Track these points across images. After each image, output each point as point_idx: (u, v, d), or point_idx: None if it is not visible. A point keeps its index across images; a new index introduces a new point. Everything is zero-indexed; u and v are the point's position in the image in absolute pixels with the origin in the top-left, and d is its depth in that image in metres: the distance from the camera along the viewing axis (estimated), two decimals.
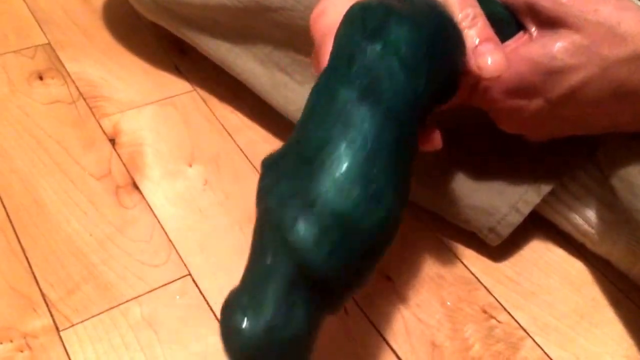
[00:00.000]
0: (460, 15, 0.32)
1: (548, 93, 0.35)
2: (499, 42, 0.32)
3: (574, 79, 0.34)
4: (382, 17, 0.29)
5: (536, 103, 0.35)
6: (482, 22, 0.32)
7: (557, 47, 0.34)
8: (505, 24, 0.36)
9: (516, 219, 0.43)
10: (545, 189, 0.42)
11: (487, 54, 0.32)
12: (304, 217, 0.26)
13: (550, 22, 0.34)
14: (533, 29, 0.35)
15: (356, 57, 0.29)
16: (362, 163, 0.27)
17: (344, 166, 0.26)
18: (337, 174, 0.26)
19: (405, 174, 0.29)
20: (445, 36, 0.31)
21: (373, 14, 0.30)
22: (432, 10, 0.31)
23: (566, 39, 0.34)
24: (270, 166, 0.29)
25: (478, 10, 0.33)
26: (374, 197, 0.27)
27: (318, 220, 0.26)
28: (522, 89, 0.35)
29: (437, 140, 0.33)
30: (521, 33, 0.36)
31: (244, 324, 0.26)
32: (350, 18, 0.30)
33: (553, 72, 0.34)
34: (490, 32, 0.32)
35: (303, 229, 0.26)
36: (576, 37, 0.33)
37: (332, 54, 0.30)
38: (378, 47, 0.28)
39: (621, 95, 0.34)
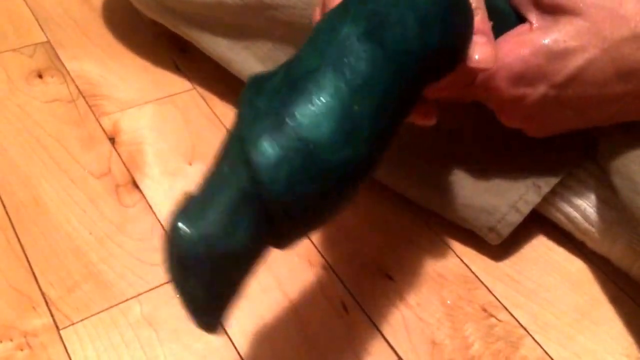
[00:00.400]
0: None
1: (552, 77, 0.35)
2: (492, 37, 0.33)
3: (578, 60, 0.34)
4: None
5: (540, 90, 0.35)
6: (481, 14, 0.33)
7: (559, 30, 0.34)
8: (506, 16, 0.36)
9: (516, 218, 0.43)
10: (546, 189, 0.42)
11: (476, 46, 0.32)
12: (271, 135, 0.25)
13: (551, 10, 0.35)
14: (534, 20, 0.35)
15: (369, 0, 0.28)
16: (344, 97, 0.26)
17: (325, 95, 0.26)
18: (316, 101, 0.26)
19: (389, 127, 0.28)
20: (462, 7, 0.31)
21: None
22: None
23: (567, 23, 0.34)
24: (256, 80, 0.28)
25: (481, 2, 0.33)
26: (347, 135, 0.26)
27: (283, 142, 0.25)
28: (526, 75, 0.35)
29: (432, 115, 0.33)
30: (522, 24, 0.36)
31: (183, 229, 0.25)
32: None
33: (556, 55, 0.34)
34: (486, 25, 0.33)
35: (266, 147, 0.25)
36: (577, 20, 0.34)
37: None
38: None
39: (625, 75, 0.34)
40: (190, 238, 0.25)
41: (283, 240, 0.27)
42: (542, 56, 0.34)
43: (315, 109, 0.26)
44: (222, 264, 0.25)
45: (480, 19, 0.32)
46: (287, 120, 0.25)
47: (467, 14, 0.31)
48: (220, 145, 0.27)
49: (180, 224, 0.25)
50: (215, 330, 0.27)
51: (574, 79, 0.35)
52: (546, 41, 0.34)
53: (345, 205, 0.28)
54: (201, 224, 0.25)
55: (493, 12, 0.33)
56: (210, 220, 0.25)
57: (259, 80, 0.28)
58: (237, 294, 0.27)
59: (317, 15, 0.34)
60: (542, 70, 0.35)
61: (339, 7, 0.29)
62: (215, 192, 0.26)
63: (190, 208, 0.26)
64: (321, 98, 0.26)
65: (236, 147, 0.26)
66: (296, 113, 0.26)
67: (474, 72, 0.34)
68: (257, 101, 0.27)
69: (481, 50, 0.32)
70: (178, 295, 0.26)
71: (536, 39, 0.35)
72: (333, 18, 0.29)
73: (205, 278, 0.25)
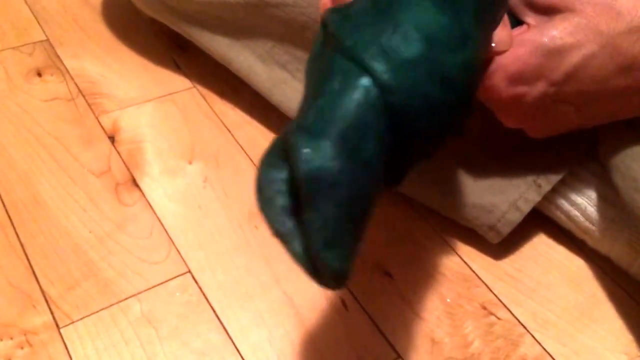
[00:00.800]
0: None
1: (550, 75, 0.35)
2: (507, 22, 0.33)
3: (575, 57, 0.34)
4: None
5: (539, 88, 0.35)
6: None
7: (556, 27, 0.34)
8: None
9: (516, 217, 0.43)
10: (546, 187, 0.42)
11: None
12: (389, 39, 0.24)
13: (546, 10, 0.35)
14: (531, 20, 0.35)
15: None
16: (448, 2, 0.26)
17: (428, 2, 0.25)
18: (422, 5, 0.25)
19: (485, 41, 0.28)
20: None
21: None
22: None
23: (564, 20, 0.34)
24: (336, 10, 0.27)
25: None
26: (462, 36, 0.25)
27: (403, 44, 0.24)
28: (524, 74, 0.35)
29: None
30: (519, 26, 0.36)
31: (315, 146, 0.23)
32: None
33: (553, 53, 0.34)
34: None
35: (387, 50, 0.24)
36: (573, 17, 0.34)
37: None
38: None
39: (624, 69, 0.34)
40: (322, 155, 0.23)
41: (401, 167, 0.26)
42: (540, 54, 0.34)
43: (424, 13, 0.25)
44: (356, 179, 0.24)
45: None
46: (399, 25, 0.25)
47: None
48: (307, 76, 0.26)
49: (305, 144, 0.23)
50: (347, 275, 0.24)
51: (573, 75, 0.35)
52: (543, 39, 0.34)
53: (461, 121, 0.26)
54: (330, 138, 0.23)
55: None
56: (337, 133, 0.23)
57: (339, 10, 0.27)
58: (368, 221, 0.25)
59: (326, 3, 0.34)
60: (540, 68, 0.35)
61: None
62: (334, 106, 0.24)
63: (309, 127, 0.24)
64: (425, 3, 0.25)
65: (343, 62, 0.24)
66: (407, 17, 0.25)
67: (492, 54, 0.34)
68: (351, 20, 0.25)
69: (498, 34, 0.32)
70: (294, 247, 0.23)
71: (533, 37, 0.35)
72: None
73: (341, 196, 0.23)
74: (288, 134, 0.25)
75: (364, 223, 0.25)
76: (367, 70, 0.24)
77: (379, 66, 0.24)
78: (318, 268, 0.24)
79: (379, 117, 0.24)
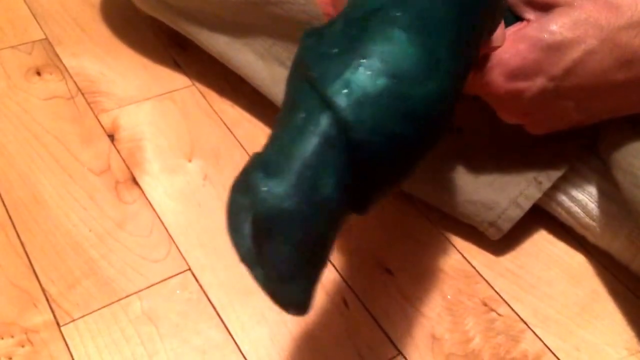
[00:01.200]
0: None
1: (550, 70, 0.35)
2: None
3: (575, 52, 0.34)
4: None
5: (538, 83, 0.35)
6: None
7: (555, 23, 0.34)
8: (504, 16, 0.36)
9: (516, 213, 0.43)
10: (547, 184, 0.42)
11: None
12: (351, 73, 0.23)
13: (545, 6, 0.35)
14: (530, 17, 0.35)
15: None
16: (419, 30, 0.25)
17: (399, 30, 0.24)
18: (391, 36, 0.24)
19: (463, 64, 0.26)
20: None
21: None
22: None
23: (564, 15, 0.34)
24: (312, 32, 0.26)
25: None
26: (429, 68, 0.24)
27: (365, 79, 0.23)
28: (523, 70, 0.35)
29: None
30: (519, 22, 0.36)
31: (265, 184, 0.23)
32: None
33: (553, 48, 0.34)
34: None
35: (347, 86, 0.23)
36: (573, 12, 0.34)
37: None
38: None
39: (624, 64, 0.34)
40: (277, 194, 0.23)
41: (366, 198, 0.25)
42: (539, 50, 0.34)
43: (392, 45, 0.24)
44: (311, 217, 0.23)
45: None
46: (366, 57, 0.24)
47: None
48: (283, 102, 0.25)
49: (260, 181, 0.23)
50: (306, 305, 0.25)
51: (572, 70, 0.35)
52: (542, 34, 0.34)
53: (428, 151, 0.26)
54: (286, 177, 0.23)
55: None
56: (294, 172, 0.23)
57: (314, 32, 0.26)
58: (326, 257, 0.25)
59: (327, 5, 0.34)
60: (539, 63, 0.35)
61: None
62: (293, 143, 0.24)
63: (267, 164, 0.24)
64: (395, 33, 0.24)
65: (308, 93, 0.24)
66: (374, 49, 0.24)
67: (489, 50, 0.34)
68: (322, 47, 0.25)
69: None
70: (257, 274, 0.24)
71: (532, 33, 0.34)
72: None
73: (295, 237, 0.23)
74: (249, 168, 0.24)
75: (322, 259, 0.25)
76: (329, 106, 0.24)
77: (341, 102, 0.23)
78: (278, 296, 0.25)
79: (340, 154, 0.24)
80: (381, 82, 0.24)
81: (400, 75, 0.24)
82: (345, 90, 0.23)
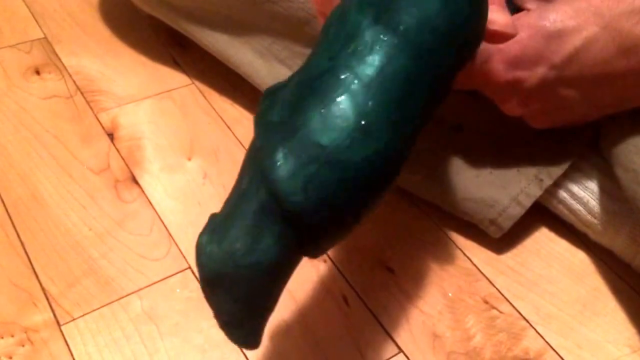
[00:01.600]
0: None
1: (551, 57, 0.34)
2: (505, 5, 0.32)
3: (576, 39, 0.34)
4: None
5: (539, 72, 0.35)
6: None
7: (556, 11, 0.34)
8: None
9: (517, 211, 0.43)
10: (548, 182, 0.42)
11: (494, 13, 0.31)
12: (284, 145, 0.24)
13: None
14: (531, 5, 0.35)
15: None
16: (357, 94, 0.24)
17: (337, 95, 0.24)
18: (327, 103, 0.24)
19: (411, 120, 0.26)
20: None
21: None
22: None
23: (564, 3, 0.34)
24: (270, 93, 0.27)
25: None
26: (365, 132, 0.24)
27: (297, 150, 0.24)
28: (523, 58, 0.34)
29: None
30: (521, 12, 0.36)
31: (209, 246, 0.25)
32: None
33: (554, 35, 0.34)
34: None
35: (280, 158, 0.24)
36: (574, 1, 0.34)
37: None
38: None
39: (626, 51, 0.34)
40: (216, 256, 0.25)
41: (318, 249, 0.26)
42: (540, 38, 0.34)
43: (326, 112, 0.24)
44: (252, 278, 0.25)
45: None
46: (300, 127, 0.24)
47: None
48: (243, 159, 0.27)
49: (205, 243, 0.25)
50: (255, 344, 0.27)
51: (574, 58, 0.34)
52: (543, 22, 0.34)
53: (374, 208, 0.26)
54: (225, 241, 0.25)
55: None
56: (233, 236, 0.25)
57: (272, 92, 0.27)
58: (272, 305, 0.26)
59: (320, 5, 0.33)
60: (540, 51, 0.34)
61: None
62: (236, 208, 0.25)
63: (213, 226, 0.26)
64: (333, 99, 0.24)
65: (253, 161, 0.25)
66: (307, 118, 0.24)
67: (496, 39, 0.32)
68: (270, 114, 0.26)
69: (500, 16, 0.31)
70: (213, 313, 0.26)
71: (533, 21, 0.34)
72: (341, 6, 0.27)
73: (237, 293, 0.25)
74: (204, 228, 0.26)
75: (267, 307, 0.26)
76: (265, 178, 0.24)
77: (274, 176, 0.24)
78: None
79: (277, 219, 0.24)
80: (311, 152, 0.24)
81: (330, 145, 0.24)
82: (278, 163, 0.24)
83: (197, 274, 0.42)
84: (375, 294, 0.42)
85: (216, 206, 0.47)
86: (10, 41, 0.57)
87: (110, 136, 0.50)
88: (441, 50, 0.26)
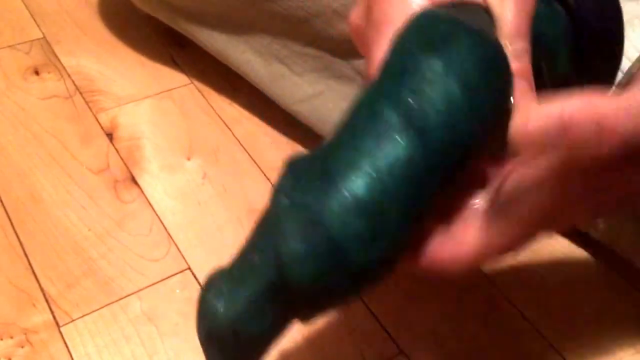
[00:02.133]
0: (510, 47, 0.27)
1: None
2: (533, 90, 0.27)
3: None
4: (448, 30, 0.26)
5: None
6: (526, 61, 0.27)
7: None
8: (556, 52, 0.30)
9: None
10: None
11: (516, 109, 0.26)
12: (301, 232, 0.25)
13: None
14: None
15: (410, 73, 0.26)
16: (376, 195, 0.25)
17: (357, 192, 0.25)
18: (347, 198, 0.25)
19: (421, 221, 0.26)
20: (504, 67, 0.27)
21: (438, 26, 0.26)
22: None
23: None
24: (293, 166, 0.27)
25: (527, 45, 0.27)
26: (375, 236, 0.25)
27: (312, 240, 0.25)
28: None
29: None
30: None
31: (216, 307, 0.26)
32: (413, 26, 0.27)
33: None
34: (530, 78, 0.27)
35: (295, 245, 0.25)
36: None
37: (385, 63, 0.27)
38: (438, 64, 0.25)
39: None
40: (222, 317, 0.26)
41: (306, 319, 0.28)
42: None
43: (344, 208, 0.25)
44: (247, 343, 0.27)
45: (524, 69, 0.27)
46: (318, 217, 0.25)
47: (509, 76, 0.27)
48: (254, 227, 0.28)
49: (213, 301, 0.26)
50: None
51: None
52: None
53: (371, 290, 0.28)
54: (232, 306, 0.26)
55: (541, 45, 0.28)
56: (240, 304, 0.26)
57: (294, 167, 0.27)
58: (263, 357, 0.28)
59: (355, 19, 0.30)
60: None
61: (379, 82, 0.27)
62: (246, 278, 0.26)
63: (222, 286, 0.27)
64: (353, 194, 0.25)
65: (269, 237, 0.26)
66: (326, 211, 0.25)
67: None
68: (293, 193, 0.26)
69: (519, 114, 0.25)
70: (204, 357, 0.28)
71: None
72: (372, 99, 0.27)
73: (229, 353, 0.27)
74: (211, 278, 0.28)
75: (259, 358, 0.28)
76: (279, 259, 0.25)
77: (290, 266, 0.25)
78: None
79: (280, 302, 0.26)
80: (325, 245, 0.25)
81: (343, 243, 0.25)
82: (293, 249, 0.25)
83: (196, 275, 0.42)
84: (375, 293, 0.42)
85: (216, 206, 0.47)
86: (9, 41, 0.57)
87: (110, 136, 0.50)
88: (464, 151, 0.26)
